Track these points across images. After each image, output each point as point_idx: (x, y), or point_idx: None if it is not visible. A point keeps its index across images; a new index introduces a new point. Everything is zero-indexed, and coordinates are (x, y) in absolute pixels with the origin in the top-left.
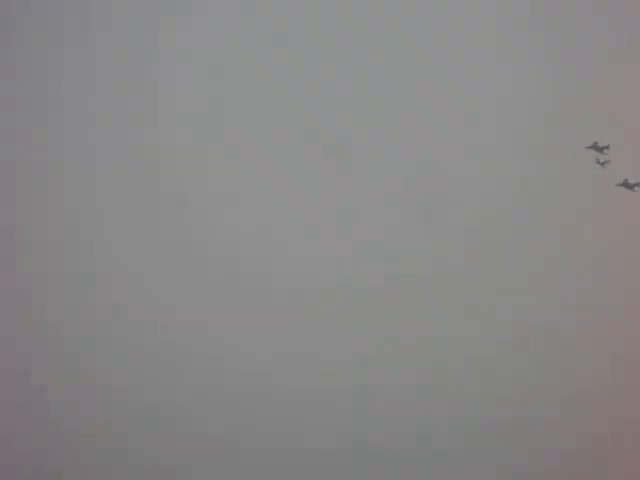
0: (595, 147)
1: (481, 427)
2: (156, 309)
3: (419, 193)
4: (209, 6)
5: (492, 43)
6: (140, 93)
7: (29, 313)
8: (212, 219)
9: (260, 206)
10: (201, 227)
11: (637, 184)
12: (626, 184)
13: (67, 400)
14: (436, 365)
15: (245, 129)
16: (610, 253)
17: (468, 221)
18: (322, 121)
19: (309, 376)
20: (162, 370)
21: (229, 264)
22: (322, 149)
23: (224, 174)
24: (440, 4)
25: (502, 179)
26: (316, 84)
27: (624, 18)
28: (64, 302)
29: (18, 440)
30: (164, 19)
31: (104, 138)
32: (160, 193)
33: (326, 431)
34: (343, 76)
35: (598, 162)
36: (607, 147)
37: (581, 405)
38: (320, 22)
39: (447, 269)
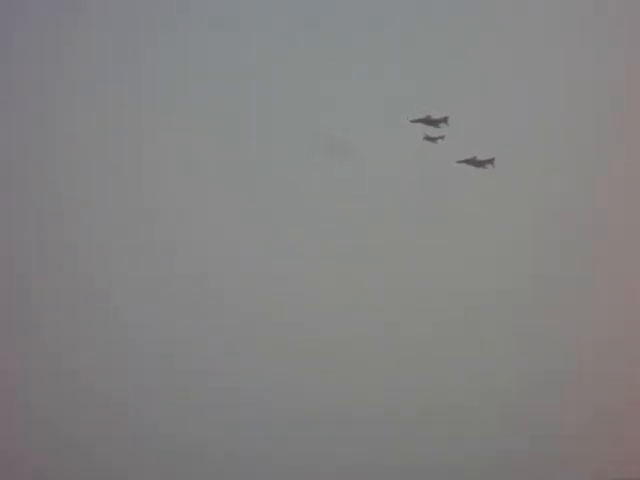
0: (426, 121)
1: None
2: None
3: (419, 192)
4: (210, 8)
5: (492, 44)
6: (139, 92)
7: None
8: (211, 218)
9: (260, 205)
10: (200, 226)
11: (489, 161)
12: (474, 162)
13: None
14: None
15: (245, 129)
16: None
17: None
18: (323, 121)
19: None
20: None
21: (228, 263)
22: (323, 149)
23: (224, 173)
24: (439, 5)
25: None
26: (316, 85)
27: None
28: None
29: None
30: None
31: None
32: (158, 190)
33: None
34: (344, 77)
35: (428, 138)
36: (444, 120)
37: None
38: (321, 22)
39: (447, 264)
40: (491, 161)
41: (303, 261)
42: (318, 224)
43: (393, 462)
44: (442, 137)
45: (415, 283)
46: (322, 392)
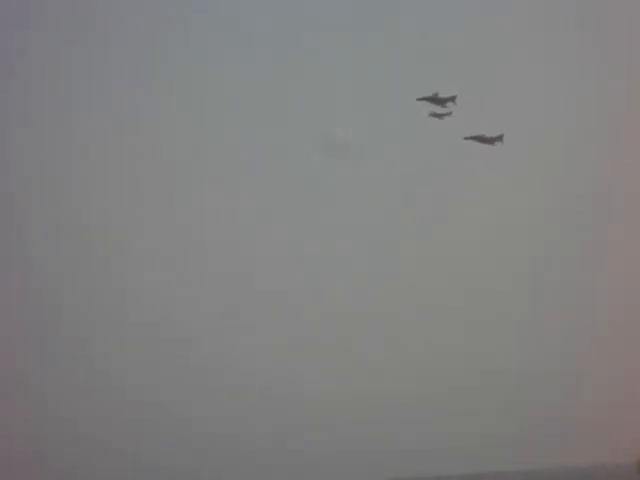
0: (433, 99)
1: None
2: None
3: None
4: (211, 10)
5: (493, 43)
6: (142, 88)
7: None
8: (211, 218)
9: (260, 205)
10: (199, 226)
11: (498, 138)
12: (482, 138)
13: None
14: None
15: (245, 129)
16: None
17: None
18: (323, 121)
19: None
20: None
21: (227, 265)
22: (322, 149)
23: (224, 173)
24: (440, 5)
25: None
26: (317, 84)
27: None
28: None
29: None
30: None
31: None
32: (158, 188)
33: None
34: (344, 76)
35: (434, 114)
36: (452, 99)
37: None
38: (320, 22)
39: (447, 265)
40: (500, 138)
41: (303, 259)
42: (318, 223)
43: (397, 448)
44: (449, 114)
45: (415, 282)
46: (327, 385)
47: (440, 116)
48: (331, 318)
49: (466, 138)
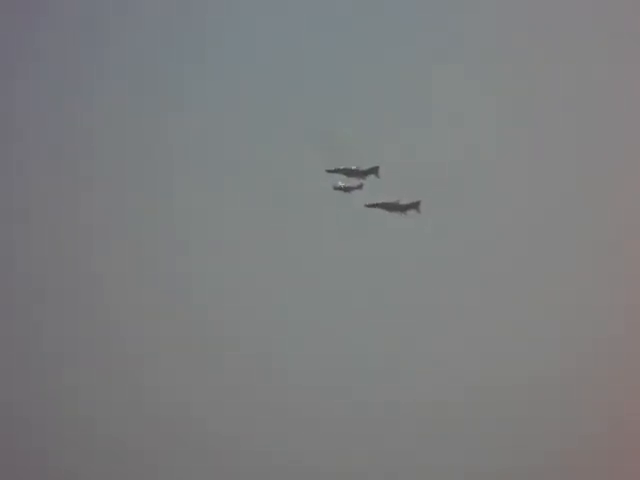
0: (349, 171)
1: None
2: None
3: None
4: (209, 8)
5: (494, 44)
6: (140, 94)
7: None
8: (208, 219)
9: (259, 210)
10: (198, 232)
11: (414, 205)
12: (392, 206)
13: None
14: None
15: (243, 129)
16: None
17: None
18: (323, 124)
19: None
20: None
21: (228, 274)
22: (322, 149)
23: (221, 174)
24: (442, 4)
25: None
26: (317, 85)
27: None
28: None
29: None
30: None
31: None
32: (157, 185)
33: None
34: (344, 76)
35: (339, 188)
36: (374, 171)
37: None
38: (320, 22)
39: (451, 268)
40: (416, 205)
41: (302, 264)
42: (318, 226)
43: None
44: (360, 187)
45: (418, 287)
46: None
47: (347, 190)
48: (327, 331)
49: (368, 205)
